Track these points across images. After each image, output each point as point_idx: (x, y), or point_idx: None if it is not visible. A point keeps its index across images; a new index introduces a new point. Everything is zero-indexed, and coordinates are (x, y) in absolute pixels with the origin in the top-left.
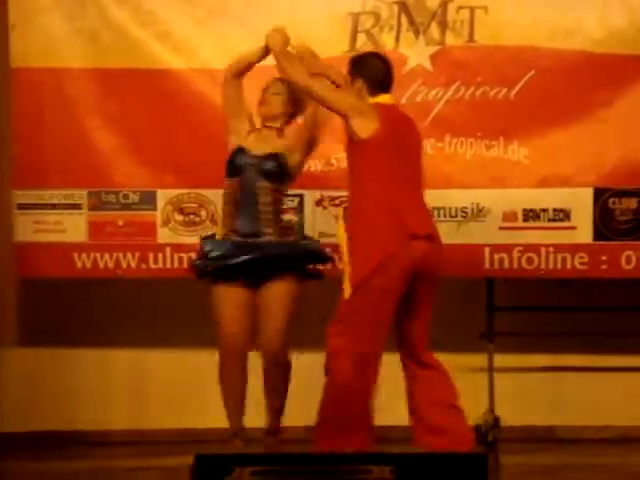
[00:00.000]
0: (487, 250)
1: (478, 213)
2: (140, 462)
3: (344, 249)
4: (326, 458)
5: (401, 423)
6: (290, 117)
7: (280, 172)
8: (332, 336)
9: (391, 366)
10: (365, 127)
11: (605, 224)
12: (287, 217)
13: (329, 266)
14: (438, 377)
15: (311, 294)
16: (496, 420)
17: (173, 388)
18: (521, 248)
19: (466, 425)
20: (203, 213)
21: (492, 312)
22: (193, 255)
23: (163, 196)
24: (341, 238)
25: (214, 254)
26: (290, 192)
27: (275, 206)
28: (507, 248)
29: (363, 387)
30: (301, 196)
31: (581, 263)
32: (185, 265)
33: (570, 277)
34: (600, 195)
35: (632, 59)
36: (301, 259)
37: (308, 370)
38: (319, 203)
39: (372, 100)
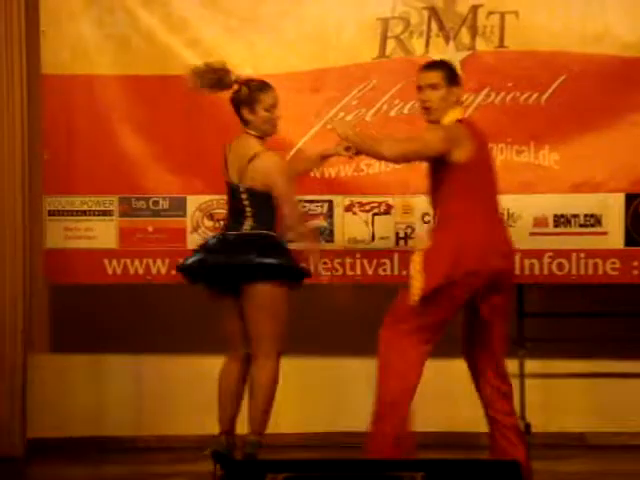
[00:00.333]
0: (518, 256)
1: (508, 218)
2: (170, 468)
3: (418, 259)
4: (358, 464)
5: (433, 429)
6: None
7: None
8: (389, 331)
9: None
10: (462, 152)
11: (637, 229)
12: (315, 222)
13: None
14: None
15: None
16: (527, 426)
17: (203, 394)
18: (552, 254)
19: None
20: None
21: (523, 318)
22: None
23: (193, 202)
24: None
25: None
26: (319, 198)
27: None
28: (538, 254)
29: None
30: (330, 202)
31: (612, 269)
32: None
33: (601, 283)
34: (631, 200)
35: None
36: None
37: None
38: (349, 209)
39: (456, 113)
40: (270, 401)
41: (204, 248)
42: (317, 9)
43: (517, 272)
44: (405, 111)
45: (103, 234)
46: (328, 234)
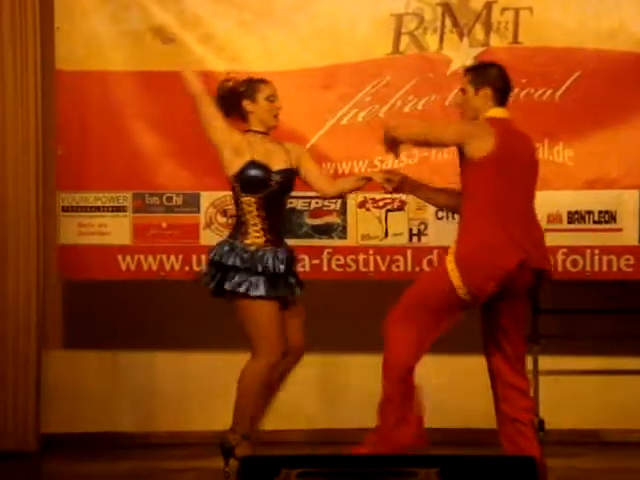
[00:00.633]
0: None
1: None
2: (182, 464)
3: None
4: (372, 460)
5: (448, 426)
6: None
7: None
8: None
9: (439, 369)
10: (481, 148)
11: None
12: (328, 219)
13: None
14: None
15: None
16: (541, 423)
17: (216, 390)
18: (566, 250)
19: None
20: None
21: (537, 314)
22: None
23: (206, 198)
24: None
25: None
26: None
27: None
28: (552, 250)
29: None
30: (343, 198)
31: (627, 265)
32: None
33: (616, 279)
34: None
35: None
36: None
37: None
38: (362, 205)
39: (492, 112)
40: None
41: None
42: (331, 4)
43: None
44: (419, 107)
45: (117, 230)
46: (341, 230)
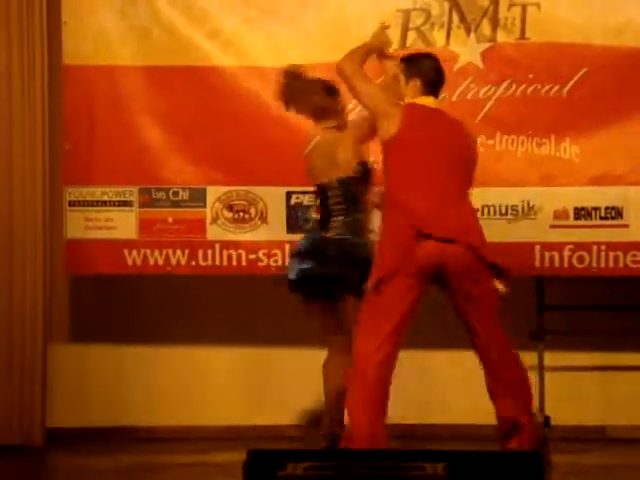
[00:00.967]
0: (537, 248)
1: (529, 211)
2: (188, 458)
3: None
4: (379, 455)
5: (453, 421)
6: None
7: None
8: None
9: (443, 365)
10: (387, 129)
11: None
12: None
13: None
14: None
15: None
16: (546, 419)
17: (222, 385)
18: (572, 246)
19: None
20: (252, 210)
21: (542, 311)
22: (242, 252)
23: (213, 193)
24: None
25: None
26: None
27: None
28: (558, 246)
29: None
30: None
31: (633, 261)
32: (234, 262)
33: (622, 275)
34: None
35: None
36: None
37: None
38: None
39: (417, 100)
40: None
41: None
42: (337, 0)
43: (537, 265)
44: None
45: (123, 225)
46: None
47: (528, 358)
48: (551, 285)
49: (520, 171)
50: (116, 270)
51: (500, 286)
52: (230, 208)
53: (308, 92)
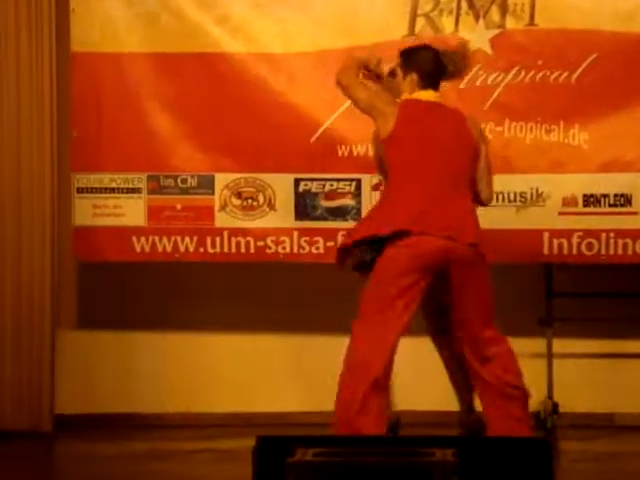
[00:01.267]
0: (546, 235)
1: (537, 198)
2: (196, 445)
3: None
4: (389, 440)
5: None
6: None
7: None
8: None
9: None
10: (384, 127)
11: None
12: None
13: None
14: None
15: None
16: (555, 406)
17: (230, 372)
18: (581, 233)
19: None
20: (260, 197)
21: (551, 298)
22: (251, 239)
23: (221, 180)
24: None
25: None
26: (347, 176)
27: None
28: (567, 233)
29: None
30: (358, 180)
31: None
32: (242, 249)
33: (631, 263)
34: None
35: None
36: None
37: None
38: (376, 187)
39: (413, 94)
40: None
41: None
42: None
43: (546, 252)
44: None
45: (131, 211)
46: (356, 213)
47: (537, 345)
48: (560, 272)
49: (529, 158)
50: (124, 257)
51: None
52: (238, 195)
53: None
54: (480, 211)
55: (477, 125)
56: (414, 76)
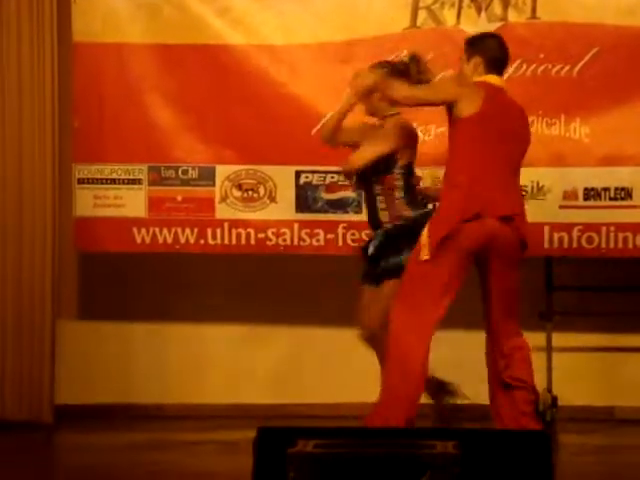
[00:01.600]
0: (547, 229)
1: (538, 191)
2: (197, 436)
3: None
4: (390, 432)
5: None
6: None
7: None
8: (394, 307)
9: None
10: (467, 107)
11: None
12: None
13: None
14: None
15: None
16: (554, 400)
17: (231, 363)
18: (581, 227)
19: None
20: (261, 189)
21: (551, 291)
22: (251, 231)
23: (222, 172)
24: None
25: None
26: None
27: None
28: (567, 227)
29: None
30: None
31: None
32: (242, 241)
33: (631, 256)
34: None
35: None
36: None
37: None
38: None
39: (483, 78)
40: None
41: None
42: None
43: (546, 245)
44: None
45: (132, 202)
46: (356, 205)
47: (537, 338)
48: (560, 266)
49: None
50: (125, 248)
51: None
52: (239, 187)
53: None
54: None
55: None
56: (479, 60)
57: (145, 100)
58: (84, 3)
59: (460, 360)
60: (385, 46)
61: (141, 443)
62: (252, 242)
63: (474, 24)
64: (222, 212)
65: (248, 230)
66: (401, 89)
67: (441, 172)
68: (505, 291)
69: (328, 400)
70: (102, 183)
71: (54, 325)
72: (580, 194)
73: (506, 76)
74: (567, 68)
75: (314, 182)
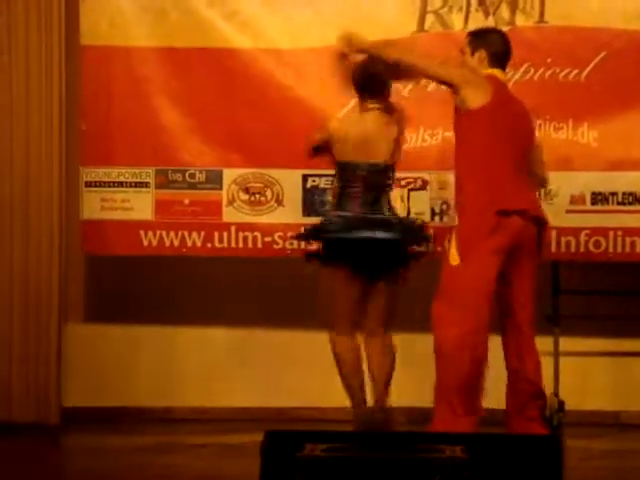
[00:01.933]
0: (554, 233)
1: (545, 196)
2: (203, 439)
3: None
4: (398, 437)
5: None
6: None
7: None
8: (436, 309)
9: None
10: (477, 98)
11: None
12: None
13: None
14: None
15: None
16: (561, 404)
17: (236, 366)
18: (588, 231)
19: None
20: (268, 193)
21: (558, 295)
22: (258, 234)
23: (229, 175)
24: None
25: None
26: None
27: None
28: (574, 231)
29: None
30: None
31: None
32: (250, 244)
33: (639, 261)
34: None
35: None
36: None
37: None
38: None
39: (487, 71)
40: None
41: None
42: None
43: (553, 249)
44: (443, 86)
45: (139, 206)
46: None
47: (543, 343)
48: (567, 270)
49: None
50: (132, 251)
51: None
52: (246, 190)
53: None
54: None
55: None
56: (483, 53)
57: (152, 103)
58: (92, 5)
59: None
60: None
61: (148, 446)
62: (259, 245)
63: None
64: (229, 215)
65: (255, 233)
66: (408, 53)
67: (446, 176)
68: (530, 290)
69: (337, 404)
70: (109, 186)
71: (61, 328)
72: (588, 198)
73: (514, 80)
74: (575, 72)
75: (321, 186)
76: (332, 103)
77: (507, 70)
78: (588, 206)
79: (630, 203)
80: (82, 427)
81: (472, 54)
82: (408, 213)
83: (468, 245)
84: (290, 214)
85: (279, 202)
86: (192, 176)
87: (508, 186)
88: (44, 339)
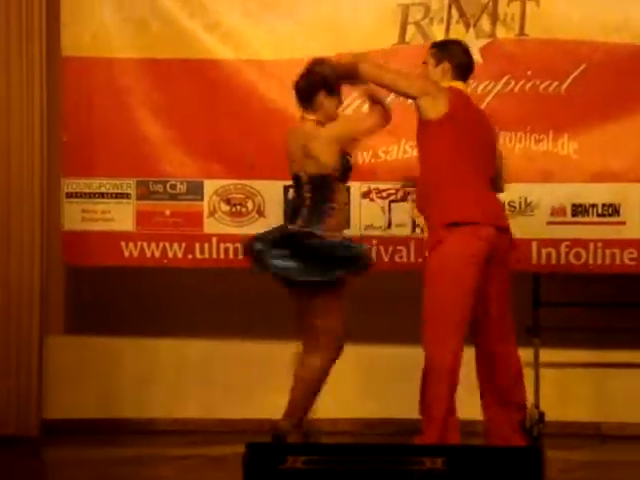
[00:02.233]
0: (534, 245)
1: (526, 207)
2: (184, 451)
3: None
4: (379, 449)
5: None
6: None
7: None
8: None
9: None
10: (436, 108)
11: None
12: None
13: None
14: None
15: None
16: (541, 415)
17: (216, 378)
18: (569, 243)
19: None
20: (250, 204)
21: (538, 307)
22: (239, 246)
23: (210, 186)
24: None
25: None
26: None
27: None
28: (555, 243)
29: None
30: (347, 188)
31: (630, 259)
32: (231, 255)
33: (619, 273)
34: None
35: None
36: None
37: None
38: (366, 195)
39: (450, 84)
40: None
41: None
42: None
43: (534, 261)
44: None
45: (120, 217)
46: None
47: (524, 354)
48: (547, 282)
49: (518, 167)
50: (113, 262)
51: None
52: (227, 201)
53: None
54: None
55: None
56: (447, 65)
57: (134, 115)
58: (73, 16)
59: None
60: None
61: (130, 458)
62: (240, 257)
63: (462, 40)
64: (210, 226)
65: (236, 245)
66: (371, 66)
67: None
68: (504, 294)
69: (323, 415)
70: (90, 197)
71: (41, 339)
72: (568, 210)
73: (495, 92)
74: (555, 84)
75: None
76: None
77: (487, 82)
78: (569, 218)
79: (610, 215)
80: (63, 439)
81: (436, 65)
82: (389, 225)
83: (444, 258)
84: (271, 225)
85: (260, 213)
86: (173, 187)
87: (470, 196)
88: (25, 351)
